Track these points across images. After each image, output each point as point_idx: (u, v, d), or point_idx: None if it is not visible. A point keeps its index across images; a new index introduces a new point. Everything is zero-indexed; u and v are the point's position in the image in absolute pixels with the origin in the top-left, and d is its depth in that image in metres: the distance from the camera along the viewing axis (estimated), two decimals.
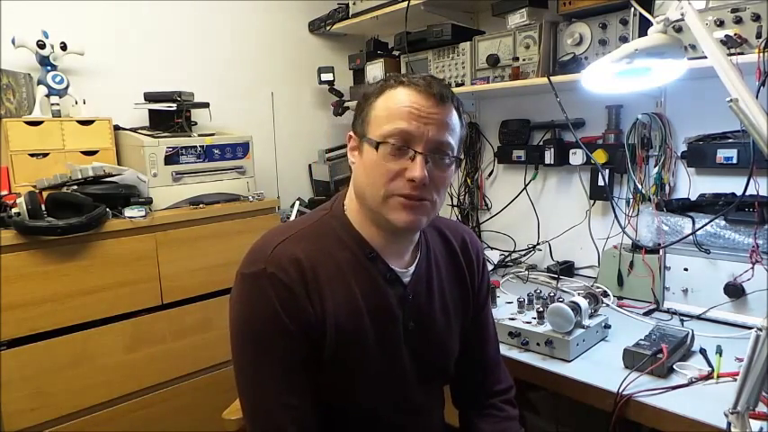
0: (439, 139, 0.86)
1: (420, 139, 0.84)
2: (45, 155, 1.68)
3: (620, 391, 1.09)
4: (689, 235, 1.47)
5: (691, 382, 1.12)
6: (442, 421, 1.12)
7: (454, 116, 0.89)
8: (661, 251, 1.55)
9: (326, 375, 0.89)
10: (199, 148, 1.85)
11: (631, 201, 1.73)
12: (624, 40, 1.51)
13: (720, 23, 1.29)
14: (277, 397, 0.86)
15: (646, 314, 1.52)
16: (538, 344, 1.30)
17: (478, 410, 1.09)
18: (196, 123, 2.03)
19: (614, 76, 1.06)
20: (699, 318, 1.45)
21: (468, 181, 2.24)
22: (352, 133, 0.93)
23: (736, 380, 0.89)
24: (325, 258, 0.89)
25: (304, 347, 0.86)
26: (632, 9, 1.46)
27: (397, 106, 0.85)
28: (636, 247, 1.63)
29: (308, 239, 0.90)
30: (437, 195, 0.89)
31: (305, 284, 0.85)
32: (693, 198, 1.58)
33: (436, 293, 0.99)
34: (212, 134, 1.94)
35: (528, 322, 1.36)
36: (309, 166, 2.56)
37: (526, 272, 1.94)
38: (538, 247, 2.03)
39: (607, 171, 1.75)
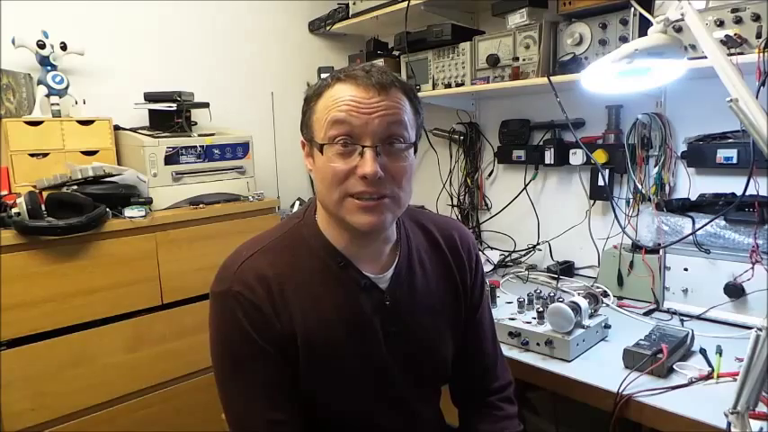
0: (387, 128, 0.81)
1: (365, 133, 0.80)
2: (45, 155, 1.68)
3: (620, 391, 1.10)
4: (689, 235, 1.47)
5: (691, 382, 1.12)
6: (440, 422, 1.11)
7: (402, 101, 0.84)
8: (661, 251, 1.55)
9: (307, 387, 0.88)
10: (199, 148, 1.85)
11: (631, 201, 1.73)
12: (624, 40, 1.51)
13: (720, 23, 1.29)
14: (262, 414, 0.85)
15: (646, 314, 1.52)
16: (538, 344, 1.30)
17: (477, 409, 1.07)
18: (196, 123, 2.03)
19: (614, 76, 1.06)
20: (699, 318, 1.45)
21: (468, 181, 2.24)
22: (302, 139, 0.90)
23: (736, 380, 0.89)
24: (294, 271, 0.87)
25: (281, 363, 0.85)
26: (632, 9, 1.46)
27: (335, 104, 0.81)
28: (636, 247, 1.63)
29: (276, 252, 0.88)
30: (398, 189, 0.84)
31: (272, 301, 0.84)
32: (693, 198, 1.58)
33: (420, 295, 0.95)
34: (212, 134, 1.94)
35: (528, 322, 1.36)
36: None
37: (526, 272, 1.94)
38: (538, 247, 2.03)
39: (607, 171, 1.75)
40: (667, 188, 1.66)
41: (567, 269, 1.90)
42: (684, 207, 1.55)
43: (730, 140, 1.49)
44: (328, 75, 0.86)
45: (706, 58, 0.86)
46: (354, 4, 2.25)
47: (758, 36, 1.24)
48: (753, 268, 1.36)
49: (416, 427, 1.00)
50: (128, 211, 1.62)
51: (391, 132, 0.82)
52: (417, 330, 0.95)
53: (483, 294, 1.09)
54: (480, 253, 1.11)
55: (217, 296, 0.86)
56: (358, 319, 0.89)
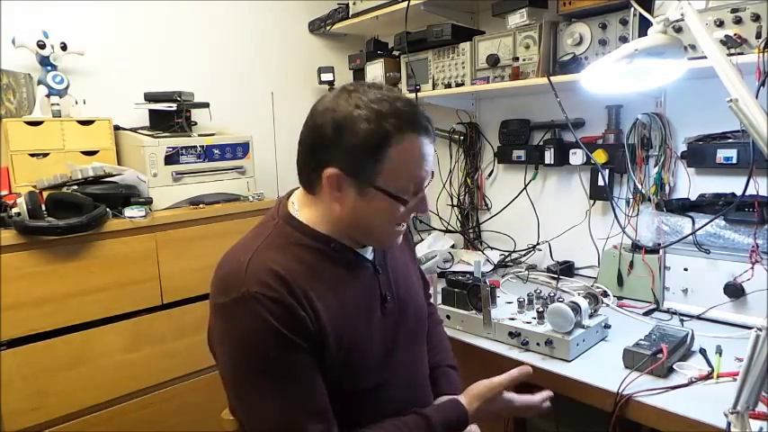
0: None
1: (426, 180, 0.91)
2: (45, 155, 1.68)
3: (620, 391, 1.10)
4: (689, 235, 1.47)
5: (691, 382, 1.12)
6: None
7: None
8: (661, 251, 1.55)
9: (334, 370, 0.88)
10: (199, 148, 1.85)
11: (631, 201, 1.73)
12: (624, 40, 1.51)
13: (720, 24, 1.29)
14: (307, 419, 0.83)
15: (646, 314, 1.52)
16: (538, 344, 1.30)
17: None
18: (196, 123, 2.02)
19: (614, 76, 1.06)
20: (699, 318, 1.45)
21: (468, 181, 2.24)
22: (338, 172, 0.85)
23: (735, 380, 0.89)
24: (298, 265, 0.87)
25: (317, 357, 0.85)
26: (632, 9, 1.46)
27: (415, 161, 0.88)
28: (636, 247, 1.63)
29: (274, 250, 0.88)
30: None
31: (293, 294, 0.82)
32: (693, 198, 1.58)
33: (395, 260, 1.05)
34: (212, 134, 1.94)
35: (528, 322, 1.36)
36: None
37: (526, 272, 1.94)
38: (538, 247, 2.03)
39: (607, 171, 1.75)
40: (667, 188, 1.66)
41: (567, 269, 1.90)
42: (684, 207, 1.55)
43: (730, 140, 1.49)
44: (388, 119, 0.84)
45: (706, 58, 0.86)
46: (354, 4, 2.25)
47: (758, 36, 1.24)
48: (752, 268, 1.36)
49: (420, 378, 1.06)
50: (128, 211, 1.62)
51: None
52: (401, 289, 1.03)
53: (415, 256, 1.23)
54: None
55: (230, 305, 0.82)
56: (364, 292, 0.95)
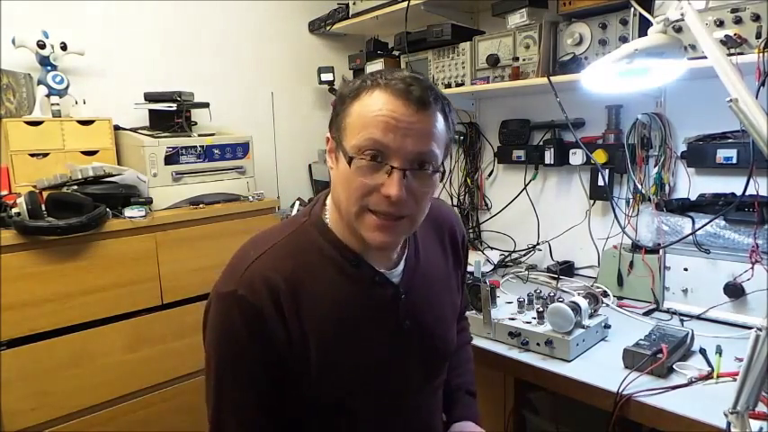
0: (419, 151, 0.78)
1: (397, 153, 0.77)
2: (45, 155, 1.68)
3: (620, 390, 1.10)
4: (689, 235, 1.47)
5: (690, 382, 1.12)
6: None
7: (439, 122, 0.81)
8: (661, 251, 1.55)
9: (317, 385, 0.85)
10: (199, 148, 1.85)
11: (631, 201, 1.73)
12: (624, 40, 1.51)
13: (720, 23, 1.29)
14: (237, 422, 0.84)
15: (646, 314, 1.52)
16: (538, 344, 1.30)
17: None
18: (196, 123, 2.02)
19: (614, 76, 1.06)
20: (699, 318, 1.45)
21: (468, 181, 2.24)
22: (329, 135, 0.86)
23: (735, 380, 0.89)
24: (305, 273, 0.84)
25: (271, 373, 0.83)
26: (632, 9, 1.46)
27: (372, 115, 0.77)
28: (636, 247, 1.63)
29: (285, 253, 0.85)
30: (418, 211, 0.83)
31: (278, 306, 0.81)
32: (693, 198, 1.58)
33: (429, 286, 0.96)
34: (212, 134, 1.94)
35: (528, 322, 1.36)
36: (309, 166, 2.56)
37: (526, 272, 1.94)
38: (538, 247, 2.03)
39: (607, 171, 1.75)
40: (667, 188, 1.66)
41: (567, 269, 1.90)
42: (684, 207, 1.55)
43: (730, 140, 1.49)
44: (366, 75, 0.82)
45: (706, 58, 0.86)
46: (354, 4, 2.25)
47: (758, 36, 1.24)
48: (752, 268, 1.36)
49: (422, 420, 1.00)
50: (128, 211, 1.62)
51: (422, 157, 0.79)
52: (429, 323, 0.95)
53: (464, 281, 1.14)
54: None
55: (219, 297, 0.83)
56: (375, 315, 0.88)
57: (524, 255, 2.06)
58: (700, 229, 1.46)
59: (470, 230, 2.26)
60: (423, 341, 0.94)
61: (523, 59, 1.74)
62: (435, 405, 1.05)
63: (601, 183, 1.76)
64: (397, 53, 2.21)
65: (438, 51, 2.00)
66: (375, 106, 0.77)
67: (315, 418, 0.90)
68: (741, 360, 0.84)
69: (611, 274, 1.68)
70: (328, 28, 2.41)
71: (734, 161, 1.47)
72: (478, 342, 1.41)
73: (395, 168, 0.77)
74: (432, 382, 1.00)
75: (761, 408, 0.87)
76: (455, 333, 1.04)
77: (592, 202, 1.86)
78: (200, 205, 1.81)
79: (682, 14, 0.91)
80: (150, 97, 1.92)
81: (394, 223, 0.81)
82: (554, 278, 1.84)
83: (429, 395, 1.01)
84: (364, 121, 0.78)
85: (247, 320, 0.80)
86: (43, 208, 1.48)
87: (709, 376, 1.13)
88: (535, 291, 1.50)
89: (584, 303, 1.32)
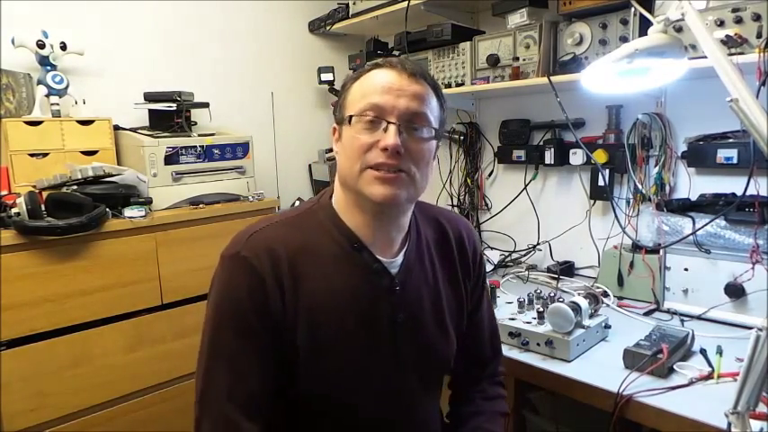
0: (412, 110, 0.86)
1: (392, 111, 0.85)
2: (45, 155, 1.68)
3: (621, 391, 1.09)
4: (689, 235, 1.47)
5: (691, 383, 1.12)
6: (439, 413, 1.11)
7: (429, 92, 0.90)
8: (661, 251, 1.55)
9: (304, 368, 0.87)
10: (199, 148, 1.85)
11: (631, 201, 1.73)
12: (624, 39, 1.51)
13: (721, 23, 1.29)
14: (226, 381, 0.85)
15: (646, 314, 1.51)
16: (538, 344, 1.30)
17: (467, 393, 1.10)
18: (196, 123, 2.03)
19: (614, 76, 1.06)
20: (699, 318, 1.45)
21: (468, 181, 2.24)
22: (334, 125, 0.94)
23: (736, 380, 0.88)
24: (307, 250, 0.88)
25: (264, 339, 0.85)
26: (632, 9, 1.46)
27: (370, 85, 0.88)
28: (636, 247, 1.63)
29: (291, 228, 0.91)
30: (416, 168, 0.87)
31: (278, 276, 0.85)
32: (693, 198, 1.58)
33: (427, 284, 0.97)
34: (212, 134, 1.94)
35: (528, 322, 1.36)
36: (309, 166, 2.56)
37: (526, 272, 1.93)
38: (538, 247, 2.03)
39: (607, 171, 1.75)
40: (667, 188, 1.66)
41: (567, 269, 1.90)
42: (684, 207, 1.55)
43: (730, 140, 1.49)
44: (367, 64, 0.93)
45: (706, 57, 0.86)
46: (354, 4, 2.25)
47: (758, 36, 1.24)
48: (753, 268, 1.36)
49: (411, 419, 0.99)
50: (128, 211, 1.62)
51: (415, 114, 0.87)
52: (422, 322, 0.96)
53: (483, 294, 1.11)
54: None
55: (224, 259, 0.88)
56: (369, 302, 0.91)
57: (524, 255, 2.06)
58: (700, 229, 1.46)
59: None
60: (416, 339, 0.95)
61: (523, 59, 1.74)
62: (432, 413, 1.05)
63: (601, 183, 1.76)
64: (397, 53, 2.21)
65: (438, 51, 2.00)
66: (374, 79, 0.88)
67: (300, 415, 0.90)
68: (742, 360, 0.84)
69: (611, 274, 1.68)
70: (328, 28, 2.41)
71: (734, 161, 1.47)
72: None
73: (390, 123, 0.85)
74: (426, 387, 1.00)
75: (761, 408, 0.87)
76: (455, 345, 1.03)
77: (592, 202, 1.86)
78: (200, 205, 1.81)
79: (682, 14, 0.91)
80: (150, 97, 1.92)
81: (393, 176, 0.85)
82: (554, 278, 1.84)
83: (424, 399, 1.01)
84: (364, 91, 0.88)
85: (249, 281, 0.84)
86: (43, 208, 1.48)
87: (709, 376, 1.13)
88: (535, 291, 1.49)
89: (584, 303, 1.31)
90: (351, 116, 0.87)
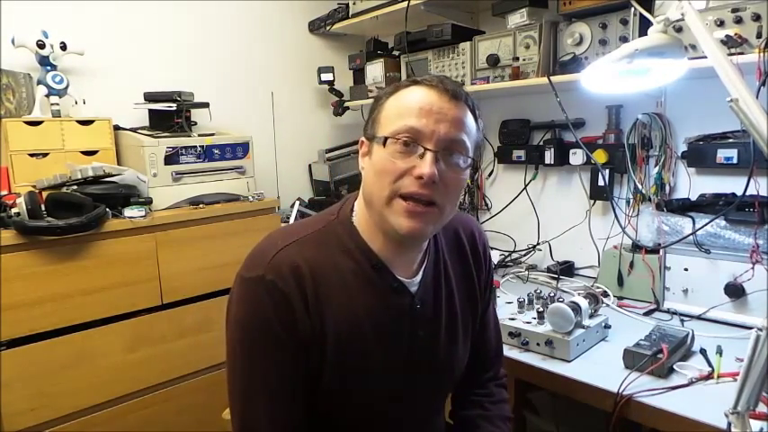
0: (451, 137, 0.81)
1: (430, 137, 0.80)
2: (45, 155, 1.68)
3: (621, 391, 1.09)
4: (689, 235, 1.47)
5: (691, 383, 1.12)
6: (444, 421, 1.12)
7: (469, 116, 0.85)
8: (661, 251, 1.55)
9: (326, 385, 0.87)
10: (199, 148, 1.85)
11: (631, 201, 1.73)
12: (624, 39, 1.51)
13: (721, 23, 1.29)
14: (266, 408, 0.84)
15: (646, 314, 1.52)
16: (538, 344, 1.30)
17: (469, 396, 1.10)
18: (196, 123, 2.02)
19: (614, 76, 1.06)
20: (699, 318, 1.45)
21: (468, 181, 2.24)
22: (363, 139, 0.90)
23: (736, 380, 0.88)
24: (329, 269, 0.86)
25: (297, 358, 0.84)
26: (632, 9, 1.46)
27: (407, 104, 0.82)
28: (636, 247, 1.63)
29: (311, 247, 0.86)
30: (447, 201, 0.84)
31: (303, 295, 0.82)
32: (693, 198, 1.58)
33: (444, 299, 0.96)
34: (212, 134, 1.94)
35: (528, 322, 1.36)
36: (309, 166, 2.56)
37: (526, 272, 1.94)
38: (538, 247, 2.03)
39: (607, 171, 1.75)
40: (667, 188, 1.66)
41: (567, 269, 1.90)
42: (684, 207, 1.55)
43: (730, 140, 1.49)
44: (404, 79, 0.89)
45: (706, 57, 0.86)
46: (354, 4, 2.25)
47: (758, 36, 1.24)
48: (753, 268, 1.36)
49: (425, 428, 1.01)
50: (128, 211, 1.62)
51: (454, 141, 0.82)
52: (441, 336, 0.95)
53: (491, 293, 1.12)
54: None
55: (246, 281, 0.84)
56: (388, 321, 0.89)
57: (524, 255, 2.06)
58: (700, 229, 1.46)
59: None
60: (434, 354, 0.95)
61: (523, 59, 1.74)
62: (439, 420, 1.07)
63: (601, 183, 1.76)
64: (397, 53, 2.21)
65: (438, 51, 2.00)
66: (411, 97, 0.83)
67: (316, 425, 0.90)
68: (741, 360, 0.84)
69: (611, 274, 1.68)
70: (328, 28, 2.41)
71: (734, 161, 1.47)
72: None
73: (428, 150, 0.80)
74: (437, 396, 1.01)
75: (761, 408, 0.87)
76: (468, 354, 1.03)
77: (592, 202, 1.86)
78: (200, 205, 1.81)
79: (682, 14, 0.91)
80: (150, 97, 1.92)
81: (423, 209, 0.81)
82: (554, 278, 1.84)
83: (434, 407, 1.03)
84: (400, 110, 0.83)
85: (276, 305, 0.82)
86: (43, 208, 1.48)
87: (709, 376, 1.13)
88: (535, 291, 1.49)
89: (584, 303, 1.32)
90: (386, 138, 0.81)
